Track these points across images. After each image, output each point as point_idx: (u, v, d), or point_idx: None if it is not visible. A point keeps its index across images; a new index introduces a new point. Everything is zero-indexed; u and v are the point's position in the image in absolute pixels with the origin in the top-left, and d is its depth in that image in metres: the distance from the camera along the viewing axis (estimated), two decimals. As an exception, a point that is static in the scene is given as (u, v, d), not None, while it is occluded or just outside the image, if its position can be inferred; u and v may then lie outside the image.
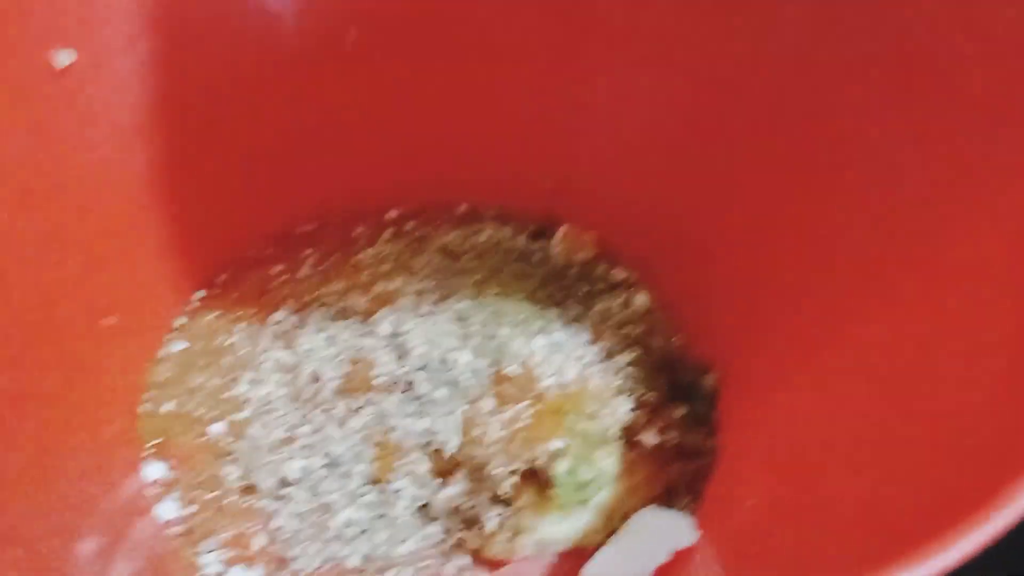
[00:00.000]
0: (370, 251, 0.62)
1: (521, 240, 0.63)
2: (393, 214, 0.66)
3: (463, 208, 0.67)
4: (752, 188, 0.55)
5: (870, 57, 0.47)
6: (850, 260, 0.50)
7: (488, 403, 0.50)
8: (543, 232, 0.65)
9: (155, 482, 0.51)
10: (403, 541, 0.49)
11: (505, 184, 0.67)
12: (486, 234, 0.63)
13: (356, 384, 0.52)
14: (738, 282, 0.57)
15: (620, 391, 0.53)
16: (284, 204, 0.63)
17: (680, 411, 0.55)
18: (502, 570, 0.49)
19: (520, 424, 0.49)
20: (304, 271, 0.61)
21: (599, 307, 0.58)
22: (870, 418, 0.45)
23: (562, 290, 0.58)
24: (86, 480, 0.47)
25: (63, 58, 0.46)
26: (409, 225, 0.65)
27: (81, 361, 0.51)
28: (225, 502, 0.50)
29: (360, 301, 0.57)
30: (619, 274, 0.63)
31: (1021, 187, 0.40)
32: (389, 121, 0.63)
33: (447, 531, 0.50)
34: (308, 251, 0.62)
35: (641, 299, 0.61)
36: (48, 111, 0.48)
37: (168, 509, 0.49)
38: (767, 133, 0.53)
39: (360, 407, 0.52)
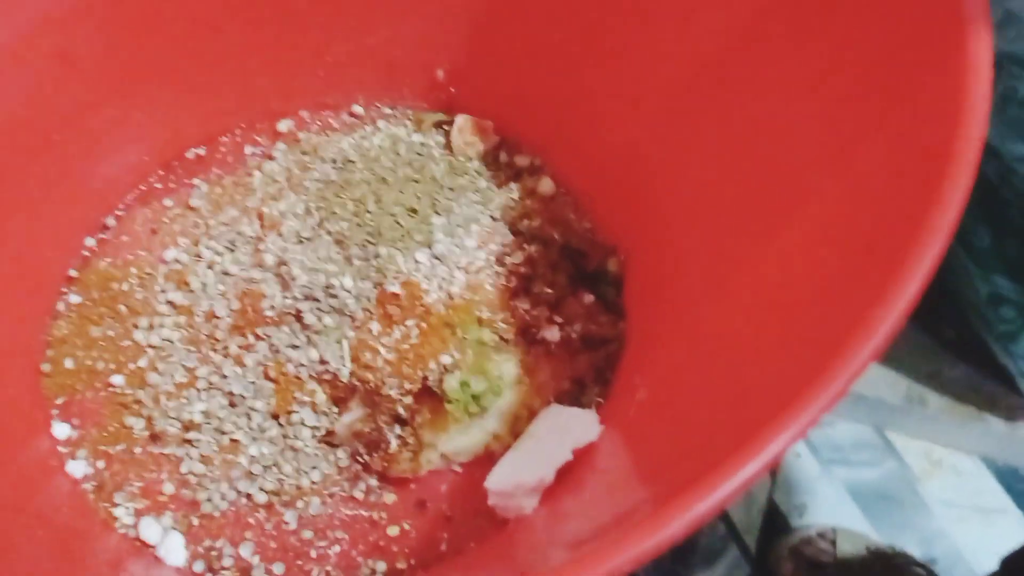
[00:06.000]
0: (262, 171, 0.59)
1: (418, 137, 0.61)
2: (285, 126, 0.63)
3: (358, 108, 0.64)
4: (652, 66, 0.52)
5: None
6: (751, 144, 0.48)
7: (375, 326, 0.49)
8: (441, 125, 0.62)
9: (65, 440, 0.51)
10: (310, 471, 0.49)
11: (398, 78, 0.63)
12: (381, 135, 0.61)
13: (248, 319, 0.51)
14: (640, 164, 0.55)
15: (516, 292, 0.51)
16: (171, 126, 0.61)
17: (588, 299, 0.54)
18: (410, 487, 0.50)
19: (409, 343, 0.48)
20: (195, 200, 0.59)
21: (498, 200, 0.56)
22: (757, 300, 0.44)
23: (455, 191, 0.55)
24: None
25: None
26: (302, 135, 0.62)
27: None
28: (133, 453, 0.50)
29: (250, 228, 0.56)
30: (522, 160, 0.61)
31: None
32: (273, 25, 0.59)
33: (352, 456, 0.50)
34: (199, 179, 0.60)
35: (546, 184, 0.59)
36: None
37: (78, 466, 0.50)
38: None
39: (253, 343, 0.51)
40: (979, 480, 0.71)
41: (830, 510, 0.70)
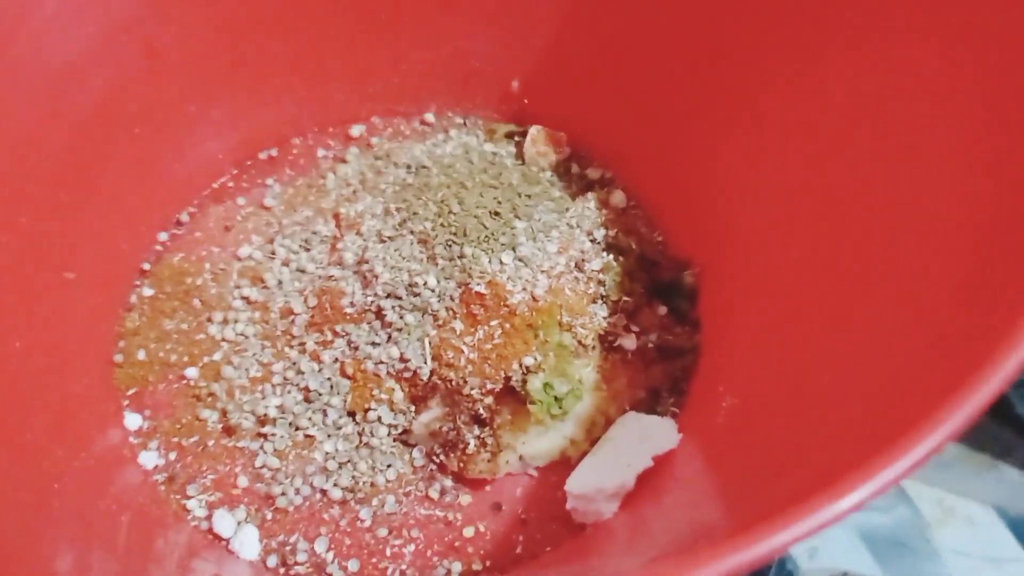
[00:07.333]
0: (335, 173, 0.60)
1: (490, 146, 0.61)
2: (358, 131, 0.63)
3: (430, 116, 0.64)
4: (721, 77, 0.52)
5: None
6: (821, 145, 0.48)
7: (458, 324, 0.49)
8: (513, 136, 0.62)
9: (137, 431, 0.50)
10: (385, 469, 0.49)
11: (472, 88, 0.64)
12: (453, 143, 0.61)
13: (326, 316, 0.51)
14: (712, 175, 0.55)
15: (594, 299, 0.51)
16: (247, 126, 0.61)
17: (662, 310, 0.54)
18: (485, 489, 0.49)
19: (492, 343, 0.48)
20: (269, 200, 0.59)
21: (573, 211, 0.56)
22: (842, 308, 0.44)
23: (532, 198, 0.56)
24: (60, 436, 0.47)
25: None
26: (375, 140, 0.63)
27: (46, 317, 0.50)
28: (207, 445, 0.50)
29: (326, 228, 0.56)
30: (594, 173, 0.61)
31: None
32: (350, 31, 0.60)
33: (428, 455, 0.50)
34: (272, 179, 0.61)
35: (618, 196, 0.59)
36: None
37: (150, 457, 0.49)
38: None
39: (331, 339, 0.51)
40: (992, 530, 0.70)
41: (841, 554, 0.69)
